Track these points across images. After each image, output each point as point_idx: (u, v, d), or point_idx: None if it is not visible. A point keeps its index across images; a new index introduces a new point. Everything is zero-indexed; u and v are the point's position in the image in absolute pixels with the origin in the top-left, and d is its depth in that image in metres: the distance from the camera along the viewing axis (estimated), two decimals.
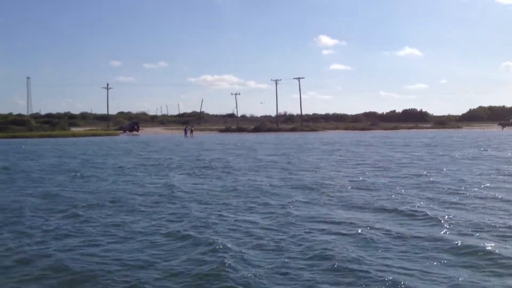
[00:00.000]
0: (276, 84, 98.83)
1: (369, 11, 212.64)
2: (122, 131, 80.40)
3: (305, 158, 27.19)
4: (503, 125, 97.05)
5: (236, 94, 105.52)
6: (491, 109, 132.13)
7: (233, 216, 10.88)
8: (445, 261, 7.40)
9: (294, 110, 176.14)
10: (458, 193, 13.62)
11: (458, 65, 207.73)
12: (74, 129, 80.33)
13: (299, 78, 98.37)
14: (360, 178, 17.43)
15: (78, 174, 19.33)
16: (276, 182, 16.43)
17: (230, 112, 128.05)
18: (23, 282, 6.80)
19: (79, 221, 10.51)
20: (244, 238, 8.93)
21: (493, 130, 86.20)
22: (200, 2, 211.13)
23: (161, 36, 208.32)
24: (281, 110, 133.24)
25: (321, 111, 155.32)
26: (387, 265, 7.22)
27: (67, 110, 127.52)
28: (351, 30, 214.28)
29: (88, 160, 26.98)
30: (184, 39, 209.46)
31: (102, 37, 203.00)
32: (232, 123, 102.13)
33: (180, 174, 19.72)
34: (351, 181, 16.71)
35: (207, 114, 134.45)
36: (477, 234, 8.93)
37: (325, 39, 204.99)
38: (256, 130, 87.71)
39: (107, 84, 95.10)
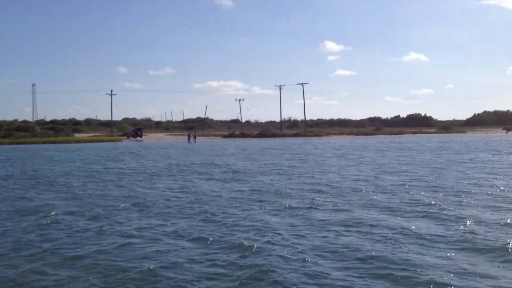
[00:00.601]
0: (280, 89, 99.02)
1: (375, 17, 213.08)
2: (125, 137, 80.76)
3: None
4: (508, 130, 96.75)
5: (240, 100, 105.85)
6: (496, 113, 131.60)
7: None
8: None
9: (299, 116, 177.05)
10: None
11: (464, 70, 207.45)
12: (77, 135, 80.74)
13: (302, 83, 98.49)
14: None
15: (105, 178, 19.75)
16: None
17: (235, 118, 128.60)
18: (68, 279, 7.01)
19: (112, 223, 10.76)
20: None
21: (497, 134, 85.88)
22: (205, 9, 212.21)
23: (167, 43, 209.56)
24: (286, 116, 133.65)
25: (327, 116, 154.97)
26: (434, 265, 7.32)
27: (72, 117, 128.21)
28: (356, 36, 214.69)
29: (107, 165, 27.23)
30: (189, 46, 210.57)
31: (108, 44, 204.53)
32: (237, 129, 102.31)
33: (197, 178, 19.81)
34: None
35: (212, 120, 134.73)
36: None
37: (331, 45, 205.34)
38: (260, 135, 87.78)
39: (111, 91, 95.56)
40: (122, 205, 13.04)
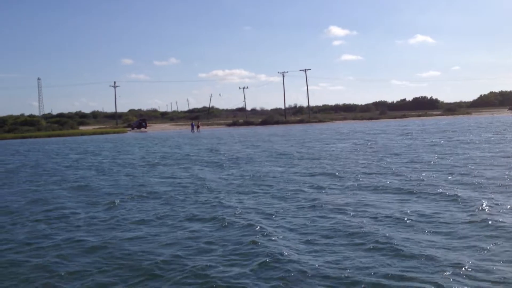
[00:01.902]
0: (283, 76, 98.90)
1: (379, 0, 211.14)
2: (130, 129, 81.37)
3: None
4: None
5: (244, 88, 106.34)
6: (502, 94, 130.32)
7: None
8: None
9: (305, 102, 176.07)
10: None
11: (470, 51, 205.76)
12: (82, 128, 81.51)
13: (305, 70, 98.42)
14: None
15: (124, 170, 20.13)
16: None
17: (240, 106, 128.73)
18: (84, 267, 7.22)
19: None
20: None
21: (503, 115, 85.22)
22: None
23: (171, 33, 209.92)
24: (292, 103, 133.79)
25: (333, 102, 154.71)
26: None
27: (79, 110, 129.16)
28: (361, 20, 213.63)
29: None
30: (194, 35, 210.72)
31: (113, 36, 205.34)
32: (242, 117, 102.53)
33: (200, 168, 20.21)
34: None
35: (217, 109, 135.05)
36: None
37: (336, 30, 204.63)
38: (264, 123, 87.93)
39: (114, 82, 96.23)
40: (130, 193, 13.49)
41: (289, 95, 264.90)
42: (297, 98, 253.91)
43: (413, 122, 67.00)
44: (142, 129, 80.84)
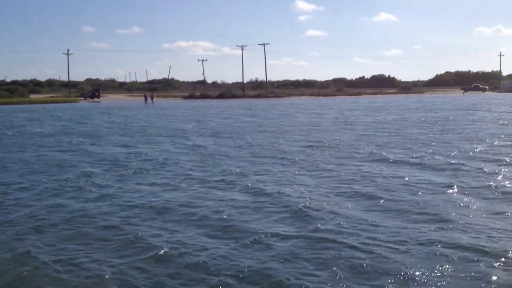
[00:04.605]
0: (242, 50, 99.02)
1: None
2: (83, 98, 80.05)
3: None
4: (465, 90, 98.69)
5: (203, 60, 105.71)
6: (457, 74, 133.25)
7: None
8: None
9: (268, 77, 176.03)
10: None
11: (433, 30, 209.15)
12: (33, 96, 79.72)
13: (264, 44, 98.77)
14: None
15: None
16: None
17: (201, 79, 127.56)
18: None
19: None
20: None
21: (454, 95, 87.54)
22: None
23: (135, 1, 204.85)
24: (253, 77, 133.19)
25: (296, 77, 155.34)
26: None
27: (34, 77, 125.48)
28: None
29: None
30: (159, 4, 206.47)
31: (74, 2, 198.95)
32: (201, 90, 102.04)
33: None
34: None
35: (177, 81, 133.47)
36: None
37: (302, 4, 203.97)
38: (221, 96, 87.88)
39: (68, 50, 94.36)
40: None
41: (251, 69, 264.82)
42: (259, 72, 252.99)
43: (358, 100, 68.30)
44: (95, 99, 79.68)
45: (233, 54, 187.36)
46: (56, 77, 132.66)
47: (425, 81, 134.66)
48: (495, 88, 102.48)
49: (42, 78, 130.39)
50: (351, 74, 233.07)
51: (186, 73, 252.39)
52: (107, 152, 15.50)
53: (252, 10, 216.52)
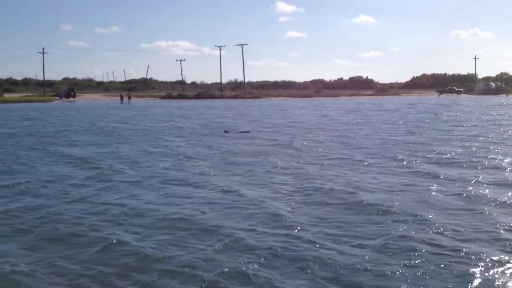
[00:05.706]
0: (220, 50, 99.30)
1: None
2: (58, 98, 79.14)
3: None
4: (441, 92, 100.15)
5: (181, 60, 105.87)
6: (433, 76, 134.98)
7: None
8: None
9: (247, 78, 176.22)
10: None
11: (411, 33, 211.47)
12: (7, 95, 78.54)
13: (242, 44, 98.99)
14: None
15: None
16: None
17: (180, 79, 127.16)
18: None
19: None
20: None
21: (430, 97, 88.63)
22: None
23: (113, 0, 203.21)
24: (232, 77, 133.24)
25: (276, 78, 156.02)
26: None
27: (10, 76, 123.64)
28: None
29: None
30: (138, 3, 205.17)
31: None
32: (179, 90, 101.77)
33: None
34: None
35: (156, 81, 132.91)
36: None
37: (282, 5, 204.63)
38: (198, 96, 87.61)
39: (43, 49, 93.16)
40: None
41: (231, 69, 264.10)
42: (238, 73, 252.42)
43: (332, 101, 68.82)
44: (71, 98, 78.84)
45: (213, 54, 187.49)
46: (33, 76, 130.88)
47: (402, 83, 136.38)
48: (470, 90, 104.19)
49: (19, 77, 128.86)
50: (330, 75, 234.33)
51: (165, 73, 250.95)
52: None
53: (233, 11, 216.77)
